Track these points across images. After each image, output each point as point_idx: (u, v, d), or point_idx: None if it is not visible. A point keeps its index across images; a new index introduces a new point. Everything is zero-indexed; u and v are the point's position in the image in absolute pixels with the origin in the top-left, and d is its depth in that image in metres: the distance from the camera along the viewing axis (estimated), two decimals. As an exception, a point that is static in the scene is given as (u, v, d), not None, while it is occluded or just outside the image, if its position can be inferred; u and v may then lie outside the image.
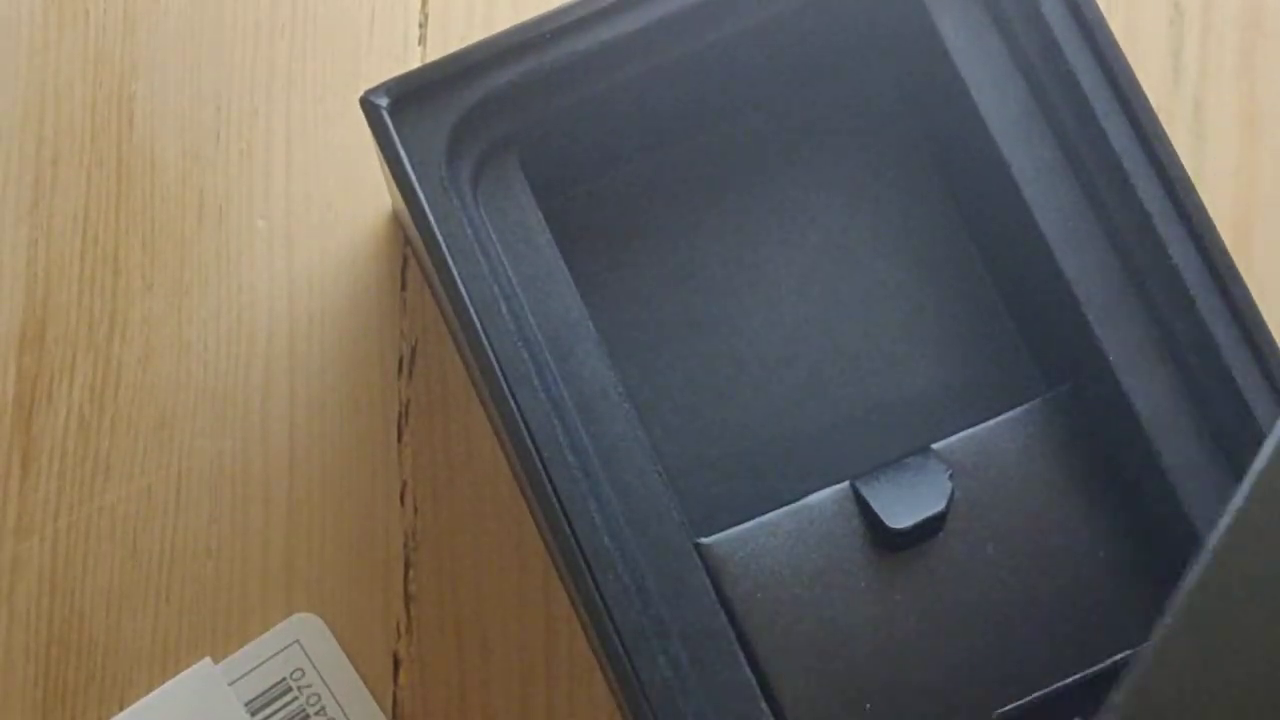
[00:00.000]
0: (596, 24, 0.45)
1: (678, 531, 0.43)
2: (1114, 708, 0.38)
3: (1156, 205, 0.44)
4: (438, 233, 0.44)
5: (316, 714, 0.51)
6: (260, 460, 0.52)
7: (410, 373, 0.53)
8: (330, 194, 0.54)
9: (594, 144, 0.48)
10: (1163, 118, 0.46)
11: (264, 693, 0.51)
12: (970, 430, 0.45)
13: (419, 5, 0.54)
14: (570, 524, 0.43)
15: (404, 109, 0.45)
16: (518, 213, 0.45)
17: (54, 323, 0.53)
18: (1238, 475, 0.44)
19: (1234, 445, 0.44)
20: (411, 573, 0.52)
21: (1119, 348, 0.44)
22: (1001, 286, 0.49)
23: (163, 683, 0.51)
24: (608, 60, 0.45)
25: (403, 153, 0.44)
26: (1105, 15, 0.45)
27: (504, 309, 0.44)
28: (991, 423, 0.46)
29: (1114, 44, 0.45)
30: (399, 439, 0.52)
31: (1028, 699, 0.44)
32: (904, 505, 0.45)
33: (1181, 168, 0.44)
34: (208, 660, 0.51)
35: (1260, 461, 0.39)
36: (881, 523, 0.44)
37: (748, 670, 0.43)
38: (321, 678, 0.51)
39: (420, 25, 0.54)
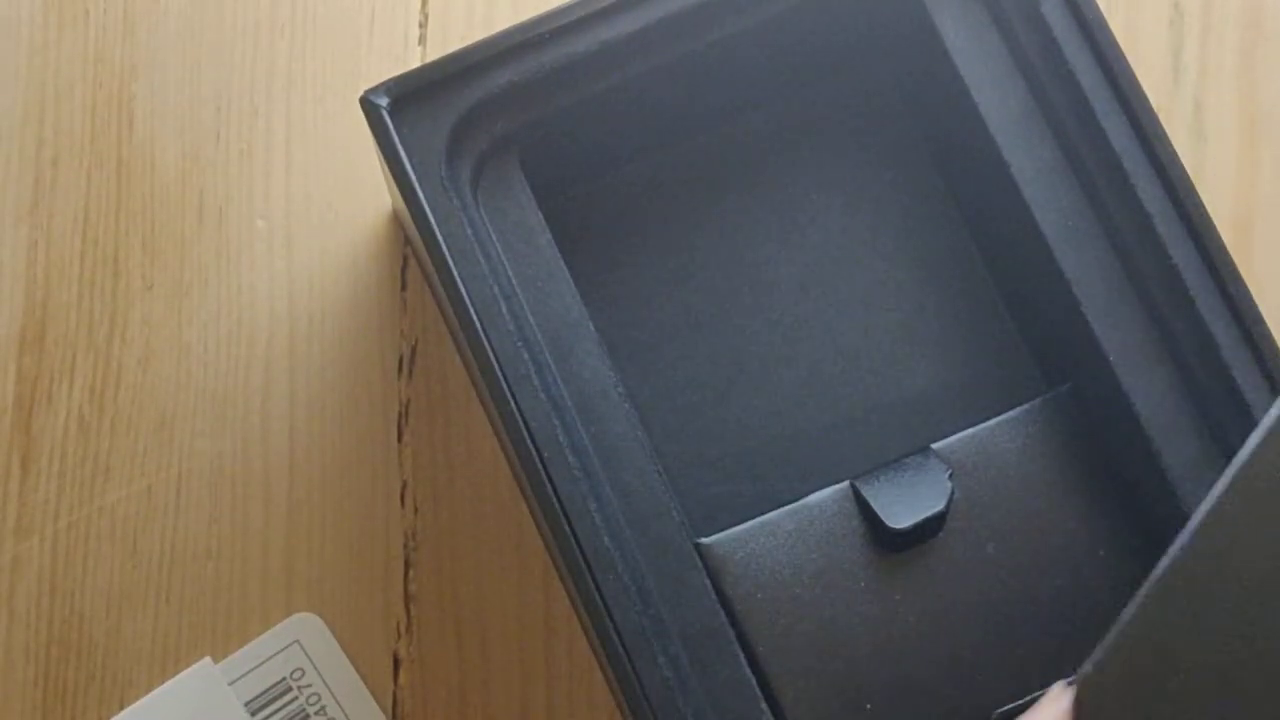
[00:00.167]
0: (596, 24, 0.45)
1: (678, 532, 0.43)
2: (1083, 676, 0.39)
3: (1156, 205, 0.44)
4: (438, 233, 0.44)
5: (316, 714, 0.51)
6: (260, 460, 0.52)
7: (410, 373, 0.53)
8: (330, 194, 0.54)
9: (594, 144, 0.48)
10: (1163, 118, 0.46)
11: (264, 693, 0.51)
12: (970, 430, 0.45)
13: (419, 5, 0.54)
14: (570, 524, 0.43)
15: (404, 109, 0.45)
16: (518, 213, 0.45)
17: (54, 324, 0.53)
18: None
19: (1234, 445, 0.44)
20: (411, 573, 0.52)
21: (1119, 348, 0.44)
22: (1001, 286, 0.49)
23: (163, 683, 0.51)
24: (608, 60, 0.45)
25: (403, 153, 0.44)
26: (1105, 15, 0.45)
27: (504, 309, 0.44)
28: (991, 423, 0.46)
29: (1114, 44, 0.45)
30: (399, 439, 0.52)
31: (1028, 699, 0.44)
32: (904, 505, 0.45)
33: (1181, 168, 0.44)
34: (208, 660, 0.51)
35: (1245, 451, 0.40)
36: (881, 523, 0.44)
37: (748, 670, 0.43)
38: (321, 678, 0.51)
39: (420, 25, 0.54)
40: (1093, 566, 0.45)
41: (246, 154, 0.54)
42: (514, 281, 0.45)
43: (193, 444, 0.52)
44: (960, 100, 0.46)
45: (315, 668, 0.51)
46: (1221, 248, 0.44)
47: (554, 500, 0.43)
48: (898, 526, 0.44)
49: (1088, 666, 0.39)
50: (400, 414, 0.52)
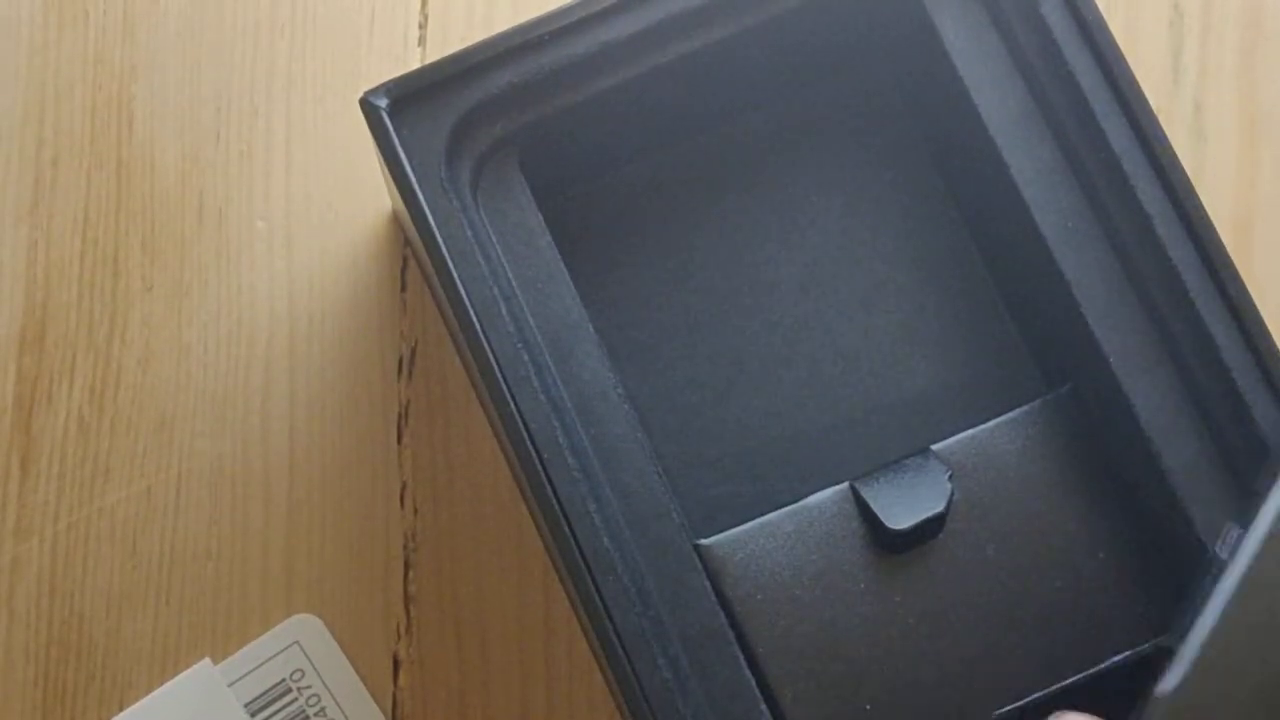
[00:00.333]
0: (596, 24, 0.45)
1: (677, 533, 0.43)
2: (1162, 696, 0.38)
3: (1156, 206, 0.44)
4: (437, 233, 0.44)
5: (316, 715, 0.51)
6: (260, 461, 0.52)
7: (410, 373, 0.53)
8: (330, 194, 0.53)
9: (594, 144, 0.48)
10: (1163, 118, 0.46)
11: (264, 694, 0.51)
12: (970, 431, 0.45)
13: (419, 5, 0.54)
14: (570, 525, 0.43)
15: (404, 109, 0.45)
16: (517, 214, 0.45)
17: (54, 324, 0.53)
18: (1237, 475, 0.44)
19: (1233, 445, 0.44)
20: (411, 573, 0.52)
21: (1119, 348, 0.44)
22: (1001, 286, 0.49)
23: (162, 683, 0.51)
24: (608, 60, 0.45)
25: (402, 153, 0.44)
26: (1105, 16, 0.45)
27: (504, 310, 0.44)
28: (991, 423, 0.46)
29: (1114, 45, 0.45)
30: (399, 440, 0.52)
31: (1028, 699, 0.44)
32: (904, 506, 0.45)
33: (1181, 168, 0.44)
34: (207, 661, 0.51)
35: None
36: (881, 524, 0.44)
37: (748, 671, 0.43)
38: (321, 679, 0.51)
39: (420, 25, 0.54)
40: (1093, 567, 0.45)
41: (246, 154, 0.54)
42: (514, 283, 0.45)
43: (193, 444, 0.52)
44: (960, 101, 0.46)
45: (315, 669, 0.51)
46: (1221, 248, 0.44)
47: (554, 501, 0.43)
48: (897, 528, 0.44)
49: (1166, 686, 0.38)
50: (400, 415, 0.52)
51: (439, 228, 0.44)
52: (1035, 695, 0.44)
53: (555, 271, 0.45)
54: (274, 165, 0.54)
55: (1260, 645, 0.38)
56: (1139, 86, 0.45)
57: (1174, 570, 0.45)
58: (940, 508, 0.45)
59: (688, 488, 0.48)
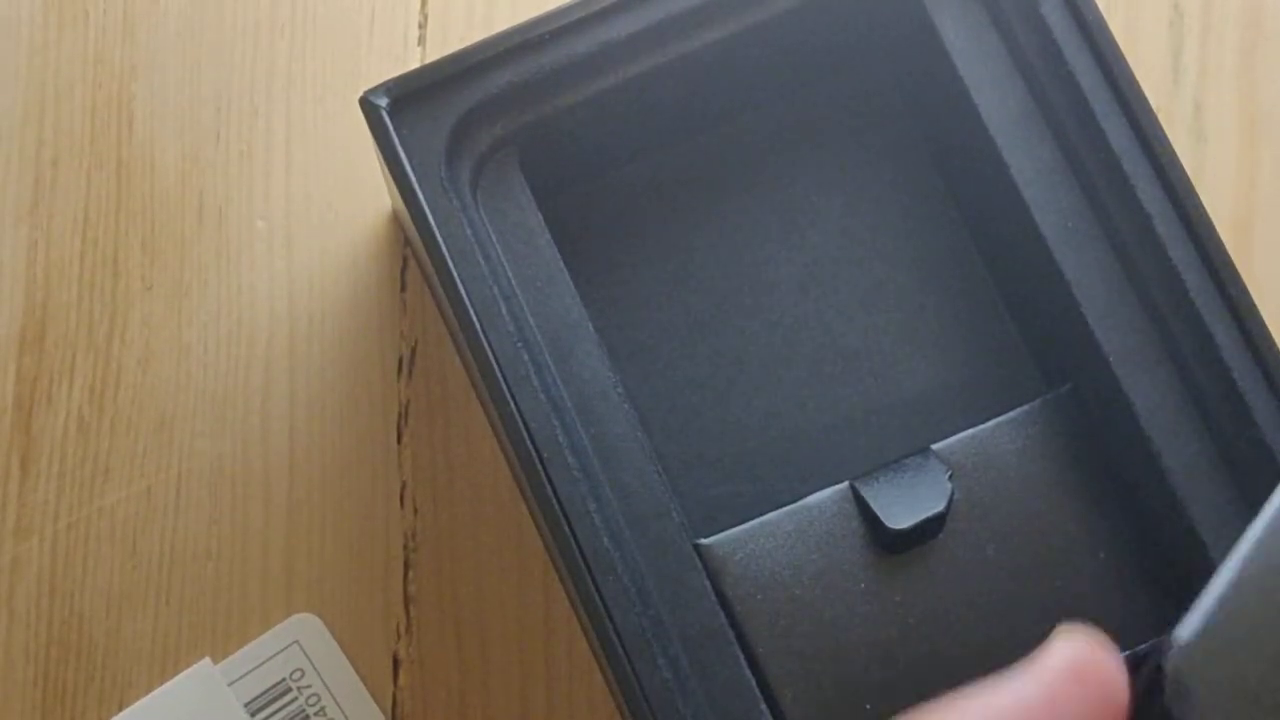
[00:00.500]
0: (596, 24, 0.45)
1: (677, 532, 0.43)
2: (1178, 644, 0.37)
3: (1156, 206, 0.44)
4: (437, 233, 0.44)
5: (316, 714, 0.51)
6: (260, 461, 0.52)
7: (410, 373, 0.53)
8: (330, 194, 0.53)
9: (594, 144, 0.48)
10: (1163, 118, 0.46)
11: (264, 693, 0.51)
12: (970, 431, 0.45)
13: (419, 5, 0.54)
14: (570, 525, 0.43)
15: (404, 109, 0.45)
16: (517, 213, 0.45)
17: (54, 324, 0.53)
18: (1237, 475, 0.44)
19: (1233, 445, 0.44)
20: (411, 573, 0.52)
21: (1119, 348, 0.44)
22: (1001, 286, 0.49)
23: (162, 683, 0.51)
24: (608, 60, 0.45)
25: (402, 153, 0.44)
26: (1105, 16, 0.45)
27: (503, 310, 0.44)
28: (991, 423, 0.46)
29: (1114, 45, 0.45)
30: (399, 439, 0.52)
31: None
32: (904, 506, 0.45)
33: (1181, 168, 0.44)
34: (207, 661, 0.51)
35: None
36: (881, 523, 0.44)
37: (748, 671, 0.43)
38: (321, 678, 0.51)
39: (420, 25, 0.54)
40: (1093, 567, 0.45)
41: (246, 154, 0.54)
42: (514, 282, 0.45)
43: (193, 444, 0.52)
44: (960, 101, 0.46)
45: (315, 668, 0.51)
46: (1221, 248, 0.44)
47: (554, 501, 0.43)
48: (897, 527, 0.44)
49: (1184, 634, 0.37)
50: (400, 415, 0.52)
51: (439, 228, 0.44)
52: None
53: (555, 271, 0.45)
54: (274, 165, 0.54)
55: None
56: (1139, 86, 0.45)
57: (1174, 570, 0.45)
58: (940, 507, 0.45)
59: (688, 487, 0.48)
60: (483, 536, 0.52)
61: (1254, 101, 0.54)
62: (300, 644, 0.51)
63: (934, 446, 0.45)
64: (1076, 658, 0.33)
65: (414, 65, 0.49)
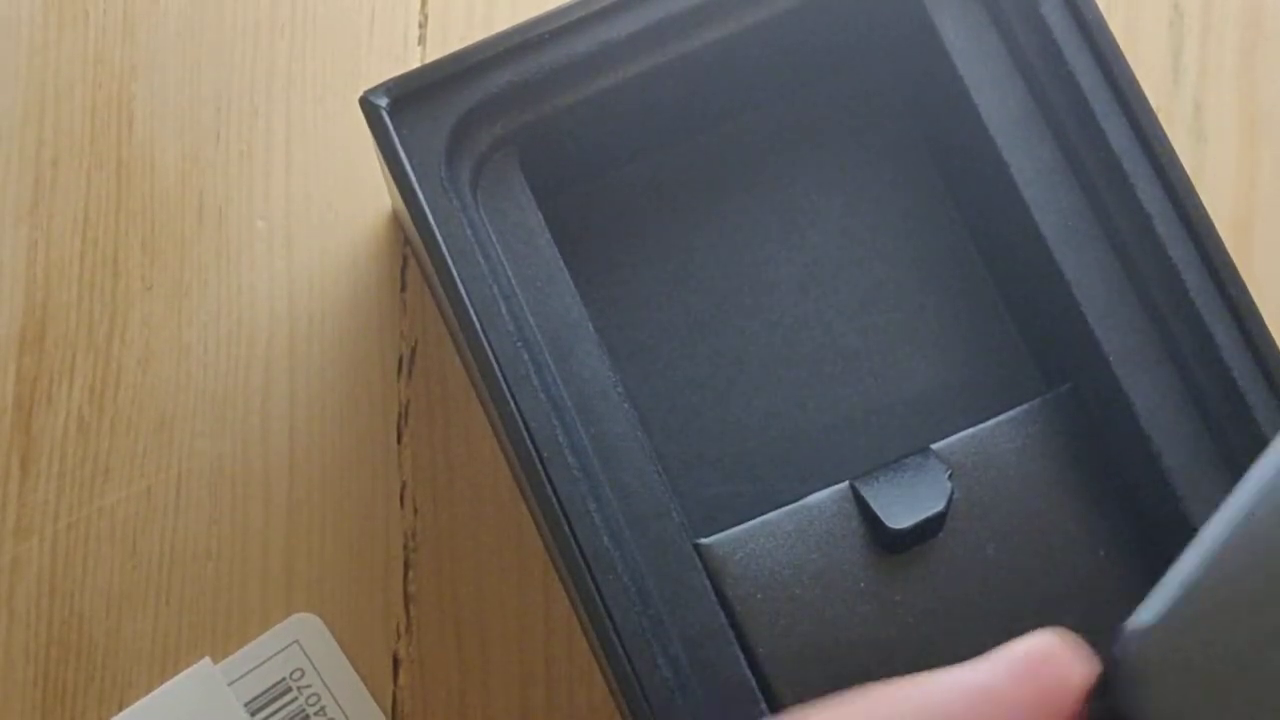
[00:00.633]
0: (596, 24, 0.45)
1: (677, 532, 0.43)
2: (1138, 628, 0.36)
3: (1156, 206, 0.44)
4: (437, 233, 0.44)
5: (316, 714, 0.51)
6: (260, 460, 0.52)
7: (410, 373, 0.53)
8: (330, 194, 0.53)
9: (594, 144, 0.48)
10: (1163, 118, 0.46)
11: (264, 693, 0.51)
12: (970, 430, 0.45)
13: (419, 5, 0.54)
14: (570, 524, 0.43)
15: (404, 109, 0.45)
16: (517, 213, 0.45)
17: (54, 324, 0.53)
18: (1237, 475, 0.44)
19: (1233, 445, 0.44)
20: (411, 573, 0.52)
21: (1119, 348, 0.44)
22: (1001, 286, 0.49)
23: (162, 683, 0.51)
24: (608, 60, 0.45)
25: (402, 153, 0.44)
26: (1105, 16, 0.45)
27: (504, 309, 0.44)
28: (991, 423, 0.46)
29: (1114, 45, 0.45)
30: (399, 439, 0.52)
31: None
32: (904, 506, 0.45)
33: (1181, 168, 0.44)
34: (207, 660, 0.51)
35: None
36: (881, 523, 0.44)
37: (748, 670, 0.43)
38: (321, 678, 0.51)
39: (420, 25, 0.54)
40: (1093, 566, 0.45)
41: (246, 154, 0.54)
42: (514, 282, 0.45)
43: (193, 444, 0.52)
44: (960, 100, 0.46)
45: (315, 668, 0.51)
46: (1221, 248, 0.44)
47: (554, 501, 0.43)
48: (897, 527, 0.44)
49: (1146, 617, 0.36)
50: (400, 415, 0.52)
51: (439, 227, 0.44)
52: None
53: (555, 271, 0.45)
54: (274, 165, 0.54)
55: (1253, 591, 0.36)
56: (1139, 86, 0.45)
57: (1174, 570, 0.45)
58: (940, 507, 0.45)
59: (688, 487, 0.48)
60: (483, 536, 0.52)
61: (1254, 101, 0.54)
62: (300, 644, 0.51)
63: (934, 446, 0.45)
64: (1032, 651, 0.34)
65: (414, 65, 0.49)
